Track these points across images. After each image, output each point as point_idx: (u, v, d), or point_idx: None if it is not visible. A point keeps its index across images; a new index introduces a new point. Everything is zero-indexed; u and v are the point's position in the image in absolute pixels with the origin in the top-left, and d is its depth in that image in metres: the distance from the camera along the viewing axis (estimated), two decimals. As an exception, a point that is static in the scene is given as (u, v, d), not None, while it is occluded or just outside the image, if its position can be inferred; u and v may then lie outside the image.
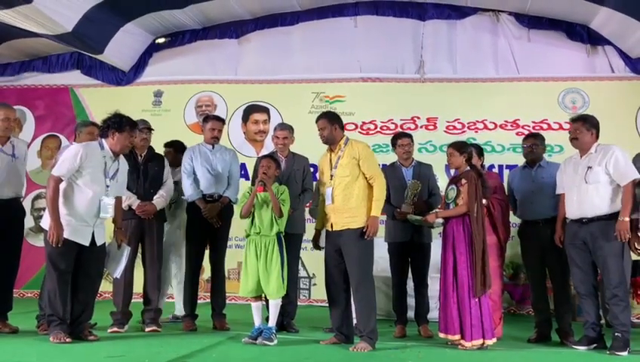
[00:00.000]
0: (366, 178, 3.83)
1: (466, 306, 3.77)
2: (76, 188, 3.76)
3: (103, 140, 3.90)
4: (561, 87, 6.46)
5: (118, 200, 4.05)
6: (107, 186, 3.83)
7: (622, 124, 6.09)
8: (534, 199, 4.35)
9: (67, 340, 3.63)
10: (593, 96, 6.38)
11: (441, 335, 3.89)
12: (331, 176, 3.90)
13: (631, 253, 3.86)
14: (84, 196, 3.76)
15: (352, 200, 3.80)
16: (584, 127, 3.92)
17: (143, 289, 4.41)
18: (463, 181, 3.94)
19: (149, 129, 4.49)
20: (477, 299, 3.77)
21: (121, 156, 4.01)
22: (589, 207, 3.81)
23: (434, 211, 4.30)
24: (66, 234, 3.68)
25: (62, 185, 3.73)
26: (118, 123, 3.86)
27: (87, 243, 3.78)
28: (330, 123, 3.95)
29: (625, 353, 3.62)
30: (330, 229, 3.90)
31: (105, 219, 3.89)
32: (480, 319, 3.76)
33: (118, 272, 4.04)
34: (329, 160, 3.98)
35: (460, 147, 4.05)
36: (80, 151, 3.75)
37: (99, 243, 3.85)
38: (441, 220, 4.09)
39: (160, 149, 4.91)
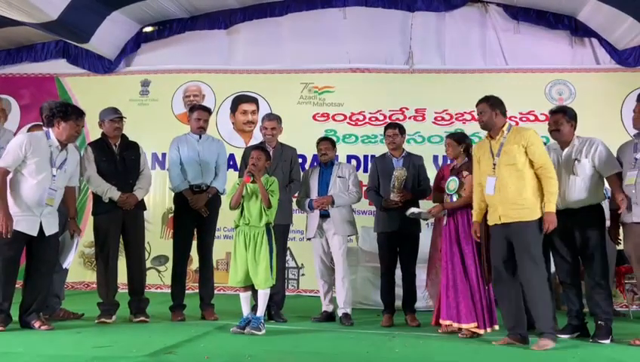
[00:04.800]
0: (532, 166, 3.56)
1: (476, 295, 3.84)
2: (21, 178, 3.75)
3: (50, 129, 3.86)
4: (548, 78, 6.52)
5: (70, 190, 4.04)
6: (54, 176, 3.81)
7: (607, 115, 6.17)
8: None
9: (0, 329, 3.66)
10: (579, 88, 6.44)
11: (457, 325, 3.86)
12: (494, 164, 3.66)
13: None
14: (28, 186, 3.74)
15: (523, 190, 3.54)
16: (564, 119, 3.95)
17: (127, 279, 4.40)
18: (465, 173, 3.99)
19: (121, 118, 4.42)
20: (487, 287, 3.84)
21: (70, 146, 3.98)
22: (576, 198, 3.85)
23: (437, 204, 4.24)
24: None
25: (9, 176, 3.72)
26: (63, 111, 3.82)
27: (34, 233, 3.77)
28: (491, 108, 3.71)
29: (607, 341, 3.68)
30: (498, 221, 3.61)
31: (54, 207, 3.86)
32: (491, 306, 3.85)
33: (67, 262, 4.05)
34: (489, 147, 3.73)
35: (458, 138, 4.13)
36: (24, 142, 3.73)
37: (48, 232, 3.83)
38: (442, 211, 4.09)
39: (150, 140, 4.87)
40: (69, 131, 3.84)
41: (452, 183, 4.04)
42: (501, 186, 3.59)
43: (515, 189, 3.55)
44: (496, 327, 3.88)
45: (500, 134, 3.69)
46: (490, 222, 3.69)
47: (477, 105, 3.80)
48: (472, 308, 3.83)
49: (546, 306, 3.52)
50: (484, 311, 3.82)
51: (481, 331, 3.81)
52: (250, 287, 4.01)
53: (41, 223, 3.80)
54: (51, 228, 3.88)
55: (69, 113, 3.83)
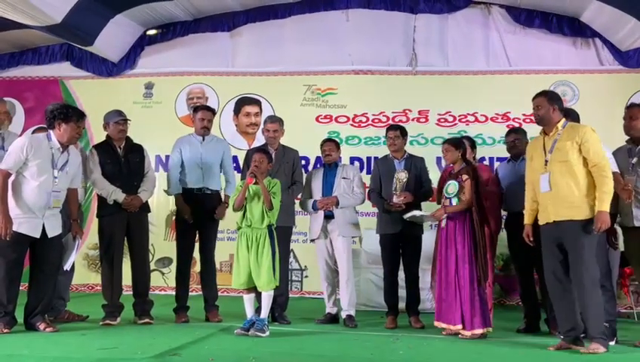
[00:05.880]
0: (587, 164, 3.43)
1: (465, 297, 3.86)
2: (23, 180, 3.77)
3: (51, 131, 3.88)
4: (552, 79, 6.50)
5: (72, 191, 4.06)
6: (55, 178, 3.82)
7: (611, 117, 6.09)
8: (518, 191, 4.38)
9: (4, 331, 3.67)
10: (583, 89, 6.43)
11: (443, 325, 3.95)
12: (546, 161, 3.56)
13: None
14: (30, 188, 3.76)
15: (575, 188, 3.43)
16: (567, 121, 3.94)
17: (132, 281, 4.41)
18: (464, 177, 4.03)
19: (125, 120, 4.43)
20: (479, 290, 3.86)
21: (72, 148, 4.00)
22: None
23: (441, 207, 4.24)
24: (14, 227, 3.69)
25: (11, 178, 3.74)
26: (64, 113, 3.84)
27: (37, 235, 3.79)
28: (550, 102, 3.61)
29: (612, 342, 3.66)
30: (549, 220, 3.52)
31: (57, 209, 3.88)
32: (482, 309, 3.87)
33: (67, 264, 4.06)
34: (542, 144, 3.62)
35: (456, 143, 4.16)
36: (26, 144, 3.75)
37: (51, 234, 3.85)
38: (445, 215, 4.10)
39: (153, 143, 4.88)
40: (70, 133, 3.86)
41: (451, 187, 4.07)
42: (552, 183, 3.48)
43: (567, 187, 3.44)
44: (490, 329, 3.90)
45: (555, 131, 3.59)
46: (541, 222, 3.61)
47: (533, 99, 3.70)
48: (459, 310, 3.86)
49: (597, 310, 3.38)
50: (474, 313, 3.84)
51: (467, 333, 3.83)
52: (254, 289, 4.02)
53: (43, 225, 3.82)
54: (54, 229, 3.89)
55: (70, 115, 3.85)
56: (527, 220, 3.75)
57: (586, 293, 3.39)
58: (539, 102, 3.66)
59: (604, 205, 3.36)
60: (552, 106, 3.61)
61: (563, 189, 3.45)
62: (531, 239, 3.72)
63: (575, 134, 3.49)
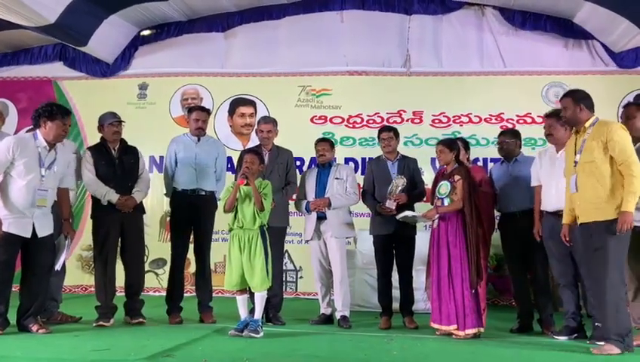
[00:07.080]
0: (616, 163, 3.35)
1: (459, 298, 3.87)
2: (10, 180, 3.76)
3: (37, 130, 3.87)
4: (545, 80, 6.53)
5: (64, 191, 4.04)
6: (42, 176, 3.82)
7: (604, 117, 6.14)
8: (511, 192, 4.43)
9: None
10: (576, 90, 6.44)
11: (435, 325, 3.97)
12: (575, 162, 3.49)
13: None
14: (17, 187, 3.75)
15: (600, 189, 3.36)
16: (558, 123, 3.97)
17: (125, 282, 4.39)
18: (457, 177, 4.04)
19: (120, 121, 4.43)
20: (473, 290, 3.87)
21: (60, 146, 3.98)
22: None
23: (433, 207, 4.25)
24: (4, 228, 3.69)
25: None
26: (49, 111, 3.84)
27: (27, 235, 3.78)
28: (575, 103, 3.53)
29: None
30: (579, 222, 3.50)
31: (47, 208, 3.87)
32: (475, 309, 3.88)
33: (58, 264, 4.06)
34: (574, 144, 3.57)
35: (450, 144, 4.18)
36: (12, 144, 3.75)
37: (41, 234, 3.83)
38: (437, 215, 4.12)
39: (148, 144, 4.87)
40: (56, 131, 3.86)
41: (443, 187, 4.08)
42: (579, 185, 3.45)
43: (592, 188, 3.39)
44: (482, 329, 3.92)
45: (584, 130, 3.52)
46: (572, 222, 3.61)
47: (560, 100, 3.67)
48: (453, 310, 3.88)
49: (614, 311, 3.30)
50: (467, 312, 3.85)
51: (461, 333, 3.85)
52: (247, 290, 4.02)
53: (33, 225, 3.80)
54: (44, 229, 3.88)
55: (55, 113, 3.85)
56: (565, 220, 3.68)
57: (606, 294, 3.32)
58: (565, 104, 3.61)
59: (629, 205, 3.28)
60: (577, 106, 3.53)
61: (588, 191, 3.41)
62: (567, 239, 3.65)
63: (601, 133, 3.41)
